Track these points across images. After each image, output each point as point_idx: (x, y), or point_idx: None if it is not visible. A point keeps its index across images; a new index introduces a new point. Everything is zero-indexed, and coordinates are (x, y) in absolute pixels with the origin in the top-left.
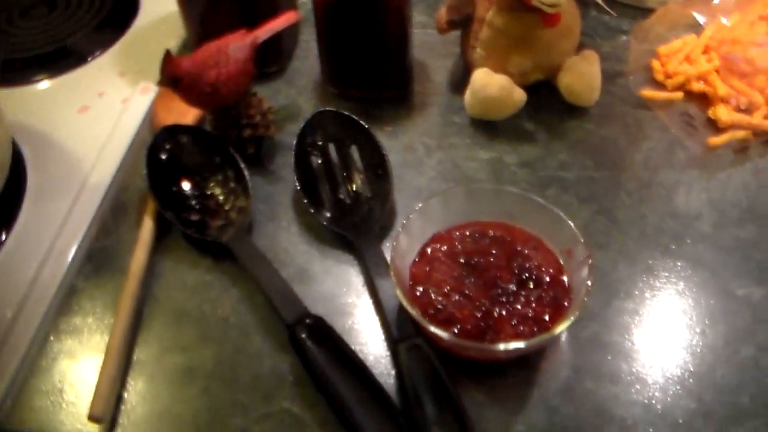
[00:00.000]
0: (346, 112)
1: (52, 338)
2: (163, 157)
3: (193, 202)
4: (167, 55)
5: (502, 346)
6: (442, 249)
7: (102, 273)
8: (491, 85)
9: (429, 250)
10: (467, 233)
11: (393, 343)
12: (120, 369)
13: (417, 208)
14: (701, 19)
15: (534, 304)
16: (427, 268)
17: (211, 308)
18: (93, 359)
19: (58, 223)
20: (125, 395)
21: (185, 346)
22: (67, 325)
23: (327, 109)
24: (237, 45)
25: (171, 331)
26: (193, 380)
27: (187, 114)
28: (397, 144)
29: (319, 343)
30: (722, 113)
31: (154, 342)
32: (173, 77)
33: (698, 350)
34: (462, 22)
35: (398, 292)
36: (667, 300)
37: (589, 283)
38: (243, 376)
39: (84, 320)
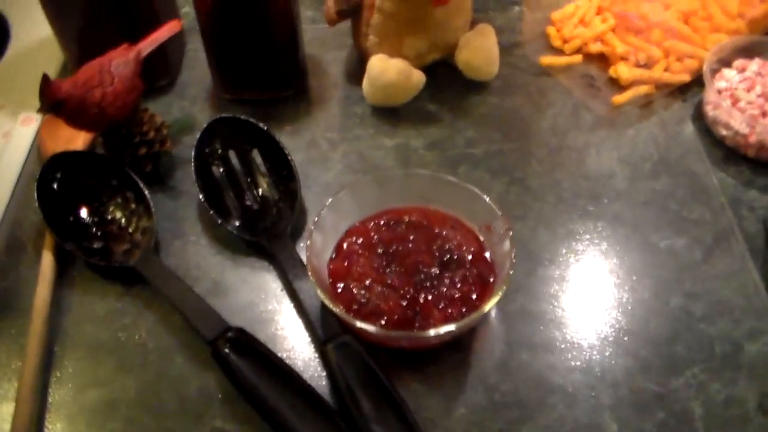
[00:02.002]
0: (242, 116)
1: None
2: (56, 186)
3: (94, 230)
4: (45, 79)
5: (432, 332)
6: (359, 242)
7: (4, 316)
8: (388, 70)
9: (345, 245)
10: (382, 222)
11: (320, 344)
12: (34, 414)
13: (327, 203)
14: None
15: (459, 285)
16: (346, 263)
17: (127, 335)
18: (5, 408)
19: None
20: None
21: (103, 379)
22: None
23: (222, 115)
24: (120, 61)
25: (86, 366)
26: (116, 413)
27: (76, 139)
28: (301, 142)
29: (243, 355)
30: (623, 71)
31: (70, 380)
32: (54, 102)
33: (629, 307)
34: (351, 12)
35: (319, 292)
36: (591, 262)
37: (513, 255)
38: (169, 401)
39: None
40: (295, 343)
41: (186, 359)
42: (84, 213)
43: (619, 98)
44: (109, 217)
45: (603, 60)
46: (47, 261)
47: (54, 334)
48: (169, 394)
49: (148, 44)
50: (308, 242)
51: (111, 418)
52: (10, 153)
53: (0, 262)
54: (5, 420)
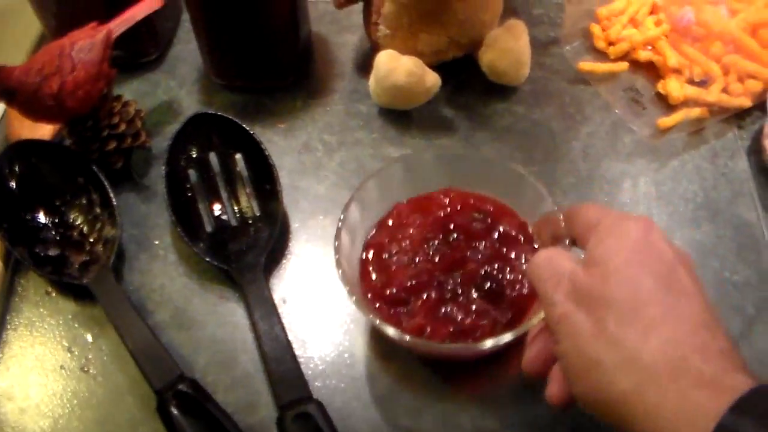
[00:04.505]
0: (225, 115)
1: None
2: (12, 180)
3: (52, 233)
4: None
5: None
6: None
7: None
8: (397, 70)
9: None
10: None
11: (279, 408)
12: None
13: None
14: None
15: (470, 316)
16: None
17: (75, 364)
18: None
19: None
20: None
21: (42, 413)
22: None
23: (202, 111)
24: (85, 44)
25: (24, 394)
26: None
27: (43, 126)
28: (294, 143)
29: (191, 415)
30: (674, 88)
31: (6, 404)
32: (4, 90)
33: None
34: None
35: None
36: None
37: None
38: None
39: None
40: (256, 397)
41: (137, 401)
42: (42, 213)
43: (666, 121)
44: (70, 221)
45: (652, 71)
46: None
47: None
48: None
49: (120, 23)
50: (335, 243)
51: None
52: None
53: None
54: None
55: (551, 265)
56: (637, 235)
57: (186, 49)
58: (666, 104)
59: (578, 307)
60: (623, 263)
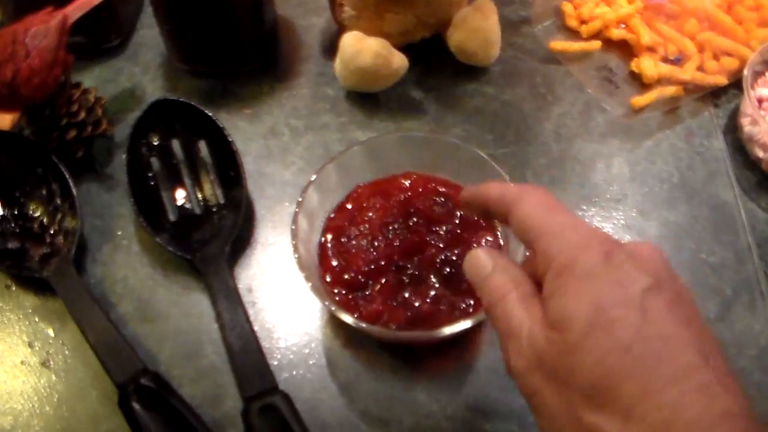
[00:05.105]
0: (187, 101)
1: None
2: None
3: (11, 225)
4: None
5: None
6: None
7: None
8: (363, 52)
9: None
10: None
11: (244, 399)
12: None
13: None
14: None
15: (428, 301)
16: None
17: (36, 359)
18: None
19: None
20: None
21: (1, 410)
22: None
23: (164, 98)
24: (39, 30)
25: None
26: None
27: (2, 115)
28: (260, 128)
29: (153, 409)
30: (647, 66)
31: None
32: None
33: None
34: None
35: (295, 258)
36: None
37: None
38: None
39: None
40: (221, 389)
41: (100, 396)
42: (0, 205)
43: (640, 100)
44: (30, 213)
45: (625, 49)
46: None
47: None
48: None
49: (77, 8)
50: (292, 227)
51: None
52: None
53: None
54: None
55: (504, 311)
56: (599, 282)
57: (149, 34)
58: (640, 83)
59: (548, 382)
60: (586, 329)
